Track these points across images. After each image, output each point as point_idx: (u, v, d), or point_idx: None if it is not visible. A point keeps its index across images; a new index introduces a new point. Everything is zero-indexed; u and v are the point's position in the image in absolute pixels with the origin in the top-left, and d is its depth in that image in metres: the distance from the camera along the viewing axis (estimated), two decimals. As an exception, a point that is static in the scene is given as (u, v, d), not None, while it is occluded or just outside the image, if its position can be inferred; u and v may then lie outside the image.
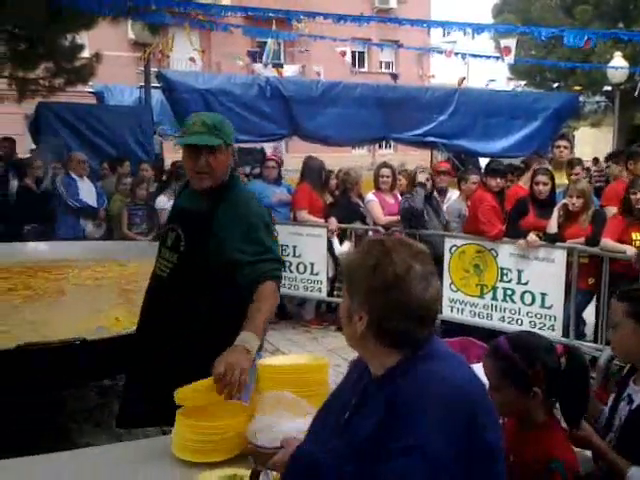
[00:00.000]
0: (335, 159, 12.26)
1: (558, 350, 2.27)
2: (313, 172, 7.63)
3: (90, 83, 13.97)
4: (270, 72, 14.45)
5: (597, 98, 23.54)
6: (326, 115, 10.60)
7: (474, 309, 6.51)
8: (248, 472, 2.02)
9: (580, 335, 6.16)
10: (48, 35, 10.35)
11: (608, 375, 3.02)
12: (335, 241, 7.32)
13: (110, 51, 15.89)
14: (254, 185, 7.82)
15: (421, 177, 6.74)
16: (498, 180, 6.33)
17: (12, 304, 4.81)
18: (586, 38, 10.31)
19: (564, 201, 5.98)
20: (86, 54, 12.37)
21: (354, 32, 16.67)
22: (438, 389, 1.57)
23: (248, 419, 2.25)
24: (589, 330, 6.34)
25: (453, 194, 7.26)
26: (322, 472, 1.62)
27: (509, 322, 6.27)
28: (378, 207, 7.24)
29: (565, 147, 7.18)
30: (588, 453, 2.54)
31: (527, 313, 6.19)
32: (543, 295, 6.08)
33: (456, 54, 14.38)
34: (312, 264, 7.43)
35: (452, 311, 6.61)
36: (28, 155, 11.87)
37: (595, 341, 5.95)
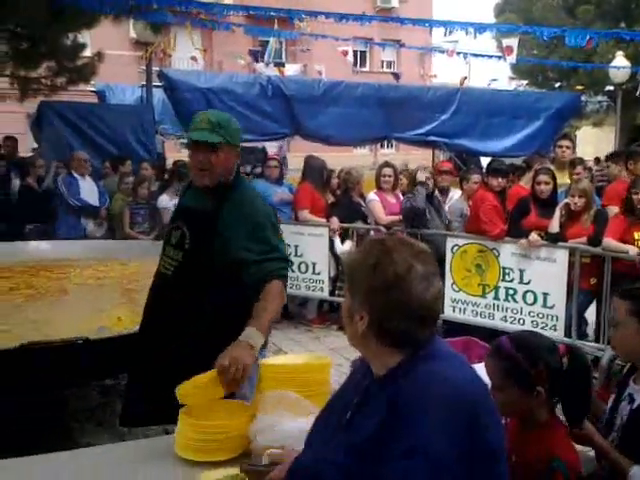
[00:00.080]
0: (337, 158, 12.26)
1: (560, 350, 2.27)
2: (314, 172, 7.63)
3: (92, 82, 14.01)
4: (272, 71, 14.45)
5: (599, 98, 23.52)
6: (328, 114, 10.61)
7: (476, 309, 6.51)
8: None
9: (582, 335, 6.15)
10: (50, 34, 10.37)
11: (610, 375, 3.01)
12: (337, 240, 7.32)
13: (112, 50, 15.92)
14: (256, 184, 7.81)
15: (421, 176, 6.74)
16: (500, 180, 6.31)
17: (14, 303, 4.81)
18: (588, 38, 10.31)
19: (566, 201, 5.98)
20: (88, 53, 12.41)
21: (356, 31, 16.68)
22: (440, 389, 1.57)
23: (251, 418, 2.25)
24: (591, 330, 6.34)
25: (455, 194, 7.25)
26: None
27: (511, 322, 6.27)
28: (380, 207, 7.24)
29: (568, 147, 7.18)
30: (591, 453, 2.54)
31: (529, 313, 6.18)
32: (545, 295, 6.08)
33: (458, 53, 14.40)
34: (314, 264, 7.43)
35: (454, 311, 6.61)
36: (30, 154, 11.92)
37: (597, 341, 5.95)
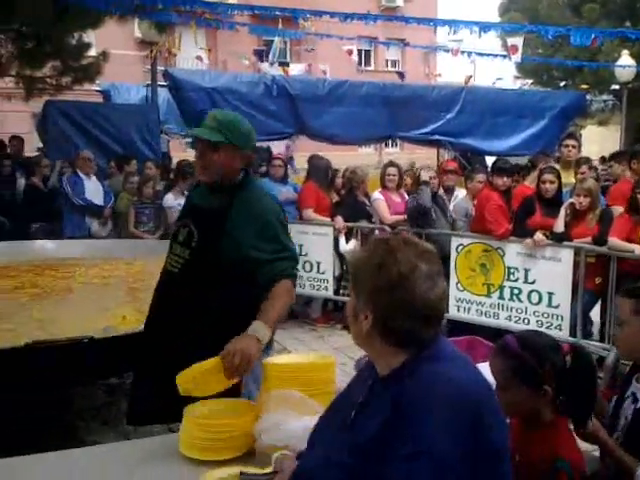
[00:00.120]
0: (341, 158, 12.26)
1: (564, 349, 2.26)
2: (319, 171, 7.64)
3: (97, 82, 14.04)
4: (276, 71, 14.45)
5: (604, 97, 23.44)
6: (332, 113, 10.59)
7: (481, 308, 6.50)
8: (255, 470, 2.03)
9: (587, 334, 6.14)
10: (55, 34, 10.39)
11: (616, 375, 3.01)
12: (342, 239, 7.32)
13: (117, 49, 15.92)
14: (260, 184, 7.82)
15: (425, 175, 6.74)
16: (505, 179, 6.31)
17: (19, 302, 4.82)
18: (593, 37, 10.26)
19: (571, 200, 5.97)
20: (93, 53, 12.42)
21: (360, 30, 16.66)
22: (444, 390, 1.57)
23: (255, 417, 2.26)
24: (596, 329, 6.32)
25: (460, 193, 7.25)
26: None
27: (516, 321, 6.26)
28: (384, 206, 7.24)
29: (573, 146, 7.15)
30: (595, 453, 2.53)
31: (534, 312, 6.17)
32: (550, 294, 6.07)
33: (462, 52, 14.37)
34: (318, 263, 7.43)
35: (458, 310, 6.60)
36: (35, 153, 11.95)
37: (602, 341, 5.94)
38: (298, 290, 7.39)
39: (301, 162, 12.18)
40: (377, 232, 7.16)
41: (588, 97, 18.30)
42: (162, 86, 11.67)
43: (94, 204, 8.02)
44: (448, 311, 6.37)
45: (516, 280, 6.27)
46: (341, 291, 7.39)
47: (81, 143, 9.68)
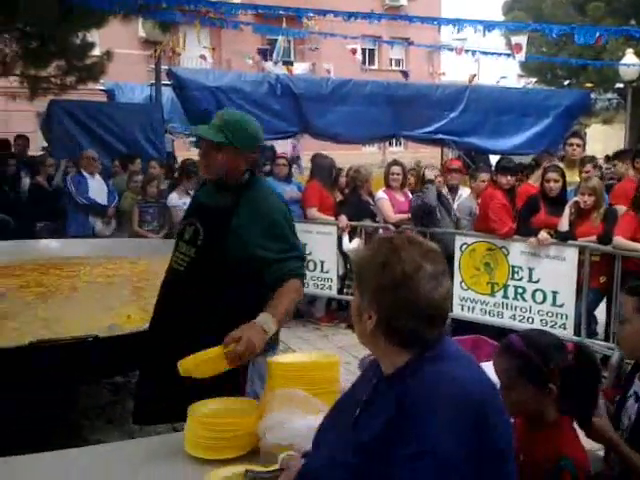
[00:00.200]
0: (345, 156, 12.28)
1: (568, 347, 2.26)
2: (323, 170, 7.64)
3: (101, 81, 14.05)
4: (280, 70, 14.47)
5: (609, 95, 23.40)
6: (336, 112, 10.60)
7: (485, 307, 6.49)
8: (260, 469, 2.03)
9: (592, 334, 6.12)
10: (59, 33, 10.42)
11: (620, 374, 3.00)
12: (345, 238, 7.32)
13: (121, 49, 15.96)
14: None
15: (430, 174, 6.73)
16: (509, 178, 6.29)
17: (24, 301, 4.84)
18: (597, 35, 10.24)
19: (575, 199, 5.96)
20: (97, 52, 12.45)
21: (364, 29, 16.69)
22: (448, 389, 1.57)
23: (260, 416, 2.26)
24: (601, 329, 6.31)
25: (464, 192, 7.24)
26: None
27: (520, 320, 6.25)
28: (388, 205, 7.23)
29: (578, 145, 7.13)
30: (600, 452, 2.53)
31: (538, 311, 6.16)
32: (554, 293, 6.06)
33: (467, 51, 14.35)
34: (322, 262, 7.43)
35: (463, 309, 6.59)
36: (40, 153, 11.98)
37: (607, 340, 5.92)
38: (302, 289, 7.44)
39: (305, 161, 12.20)
40: (381, 231, 7.16)
41: (592, 96, 18.30)
42: (166, 85, 11.71)
43: (98, 203, 8.04)
44: (452, 310, 6.37)
45: (520, 279, 6.26)
46: (345, 290, 7.38)
47: (85, 142, 9.71)
